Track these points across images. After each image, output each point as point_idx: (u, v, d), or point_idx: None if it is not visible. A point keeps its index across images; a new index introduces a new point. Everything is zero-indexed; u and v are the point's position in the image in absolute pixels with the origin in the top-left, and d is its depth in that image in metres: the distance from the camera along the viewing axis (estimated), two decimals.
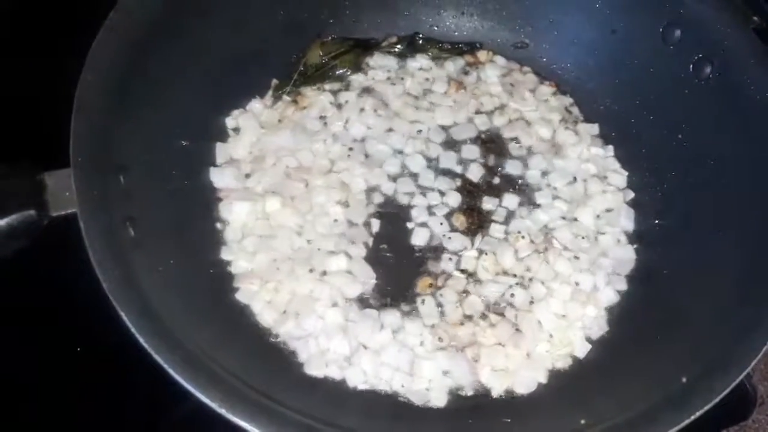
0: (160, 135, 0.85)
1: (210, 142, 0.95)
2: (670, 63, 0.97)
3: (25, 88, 0.98)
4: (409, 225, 0.95)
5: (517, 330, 0.88)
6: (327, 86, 1.03)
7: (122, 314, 0.63)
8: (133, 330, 0.63)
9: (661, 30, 0.97)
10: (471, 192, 0.98)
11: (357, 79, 1.05)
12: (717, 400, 0.67)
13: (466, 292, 0.90)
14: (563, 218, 0.97)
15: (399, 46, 1.07)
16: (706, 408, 0.66)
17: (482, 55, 1.09)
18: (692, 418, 0.66)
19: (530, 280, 0.91)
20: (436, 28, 1.11)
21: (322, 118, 1.01)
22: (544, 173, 1.00)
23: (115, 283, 0.64)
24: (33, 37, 1.03)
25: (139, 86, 0.80)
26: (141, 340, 0.62)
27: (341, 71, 1.04)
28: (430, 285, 0.90)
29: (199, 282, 0.83)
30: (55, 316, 0.84)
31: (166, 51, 0.84)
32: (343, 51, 1.05)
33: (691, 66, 0.94)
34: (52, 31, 1.02)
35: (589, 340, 0.88)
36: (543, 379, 0.85)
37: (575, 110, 1.06)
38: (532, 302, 0.90)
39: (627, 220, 0.97)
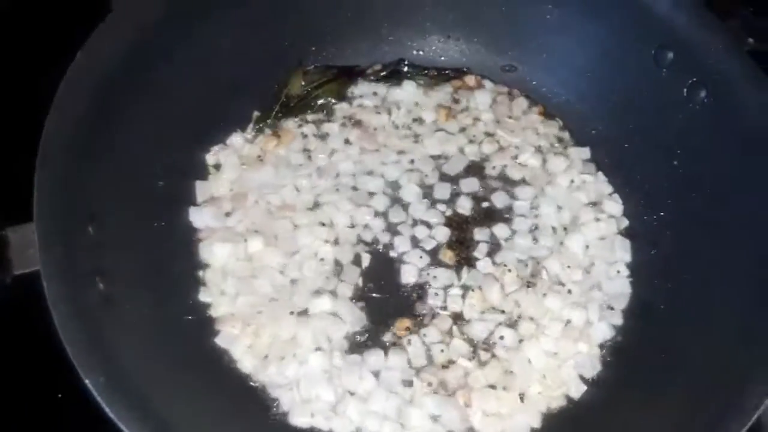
0: (134, 177, 0.82)
1: (188, 181, 0.92)
2: (663, 86, 0.93)
3: None
4: (396, 263, 0.91)
5: (508, 371, 0.84)
6: (310, 117, 1.00)
7: (89, 385, 0.60)
8: (100, 402, 0.59)
9: (653, 52, 0.93)
10: (460, 224, 0.95)
11: (341, 108, 1.02)
12: None
13: (451, 332, 0.87)
14: (552, 249, 0.93)
15: (384, 73, 1.04)
16: None
17: (470, 80, 1.06)
18: None
19: (519, 317, 0.88)
20: (421, 53, 1.07)
21: (305, 151, 0.98)
22: (534, 202, 0.97)
23: (78, 347, 0.61)
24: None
25: (109, 127, 0.77)
26: (108, 411, 0.59)
27: (324, 101, 1.01)
28: (407, 328, 0.86)
29: (175, 331, 0.80)
30: (20, 383, 0.80)
31: (137, 87, 0.81)
32: (326, 80, 1.02)
33: (684, 90, 0.90)
34: (15, 78, 0.99)
35: (583, 379, 0.85)
36: (537, 423, 0.82)
37: (565, 135, 1.03)
38: (521, 340, 0.86)
39: (622, 251, 0.94)
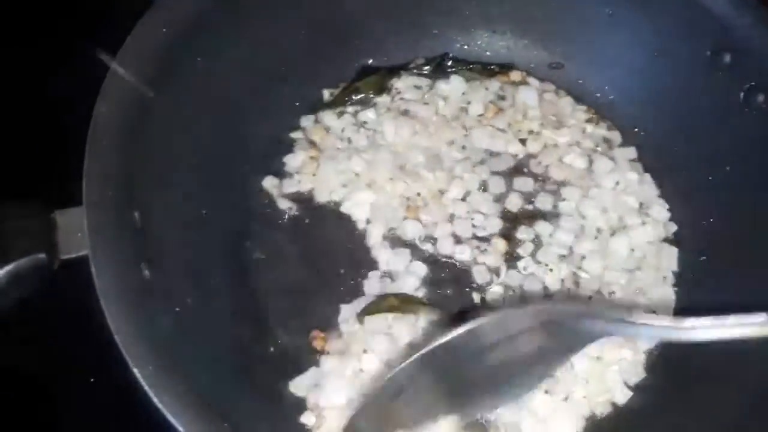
0: (182, 168, 0.81)
1: (235, 171, 0.91)
2: (718, 89, 0.90)
3: (38, 122, 0.94)
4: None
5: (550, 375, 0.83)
6: (350, 109, 0.99)
7: (135, 371, 0.59)
8: (146, 388, 0.58)
9: (709, 54, 0.91)
10: (509, 220, 0.94)
11: (383, 101, 1.00)
12: None
13: None
14: (595, 251, 0.91)
15: (427, 67, 1.02)
16: None
17: (515, 75, 1.04)
18: None
19: None
20: (466, 47, 1.06)
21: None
22: (579, 203, 0.95)
23: (128, 336, 0.60)
24: (45, 69, 1.00)
25: (155, 119, 0.76)
26: (155, 399, 0.58)
27: (364, 95, 1.00)
28: None
29: (223, 328, 0.79)
30: (67, 363, 0.80)
31: (187, 79, 0.81)
32: (368, 73, 1.00)
33: (741, 94, 0.88)
34: (66, 65, 0.98)
35: (628, 386, 0.83)
36: (580, 428, 0.80)
37: (613, 135, 1.00)
38: None
39: (668, 258, 0.92)
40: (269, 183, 0.93)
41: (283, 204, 0.92)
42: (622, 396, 0.83)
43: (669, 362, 0.85)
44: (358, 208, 0.92)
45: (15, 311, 0.63)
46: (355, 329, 0.83)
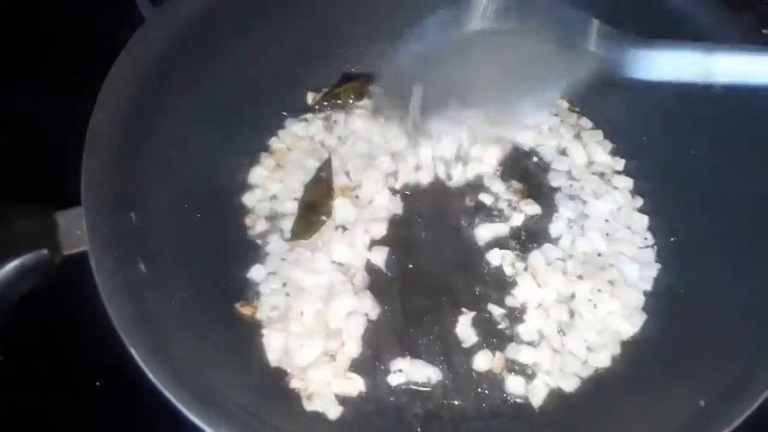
0: (174, 170, 0.86)
1: (227, 173, 0.97)
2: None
3: (38, 128, 1.01)
4: None
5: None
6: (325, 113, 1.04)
7: (132, 350, 0.63)
8: (142, 366, 0.63)
9: None
10: None
11: (362, 104, 1.05)
12: (736, 424, 0.65)
13: None
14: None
15: None
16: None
17: None
18: None
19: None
20: None
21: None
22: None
23: (125, 319, 0.65)
24: (46, 79, 1.07)
25: (152, 122, 0.82)
26: (150, 376, 0.63)
27: (343, 100, 1.05)
28: None
29: (214, 315, 0.84)
30: (68, 354, 0.85)
31: (174, 89, 0.86)
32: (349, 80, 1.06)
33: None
34: (66, 65, 1.05)
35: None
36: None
37: (583, 122, 1.06)
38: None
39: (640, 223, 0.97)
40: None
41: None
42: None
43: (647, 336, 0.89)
44: None
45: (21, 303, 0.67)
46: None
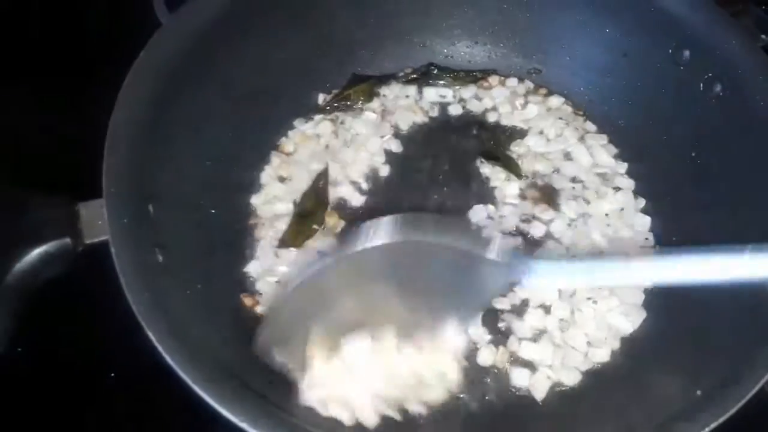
0: (190, 167, 0.89)
1: (237, 172, 0.99)
2: (680, 82, 0.98)
3: (62, 125, 1.05)
4: None
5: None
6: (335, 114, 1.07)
7: (150, 335, 0.66)
8: (160, 349, 0.66)
9: (670, 51, 0.99)
10: None
11: (371, 106, 1.08)
12: (732, 412, 0.67)
13: None
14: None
15: (414, 75, 1.11)
16: (720, 420, 0.66)
17: (494, 80, 1.13)
18: (706, 430, 0.66)
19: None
20: (450, 59, 1.15)
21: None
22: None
23: (144, 305, 0.68)
24: (70, 75, 1.11)
25: (169, 120, 0.85)
26: (168, 358, 0.65)
27: (353, 102, 1.08)
28: None
29: (225, 305, 0.87)
30: (89, 339, 0.89)
31: (190, 90, 0.89)
32: (358, 81, 1.09)
33: (701, 85, 0.95)
34: (89, 66, 1.10)
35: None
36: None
37: (588, 126, 1.09)
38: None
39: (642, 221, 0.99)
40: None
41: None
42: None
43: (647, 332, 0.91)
44: None
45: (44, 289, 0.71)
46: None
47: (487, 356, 0.89)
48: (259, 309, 0.90)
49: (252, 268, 0.93)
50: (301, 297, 0.74)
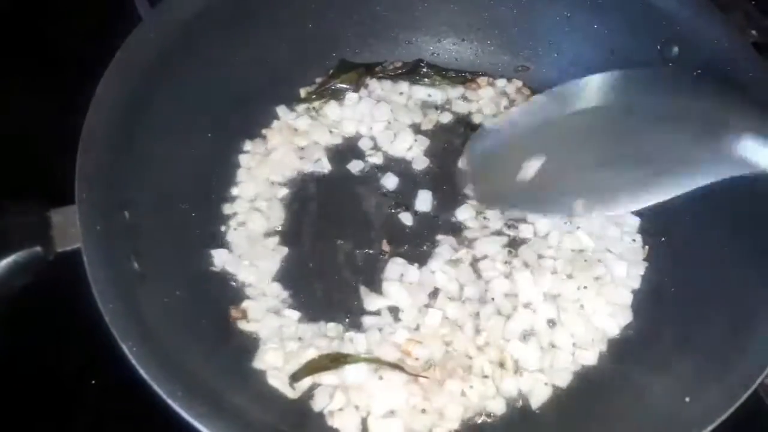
0: (168, 170, 0.87)
1: (217, 174, 0.97)
2: None
3: (33, 127, 1.02)
4: None
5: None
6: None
7: (122, 345, 0.64)
8: (134, 362, 0.64)
9: (659, 47, 0.97)
10: None
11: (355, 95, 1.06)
12: (722, 419, 0.65)
13: None
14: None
15: (402, 70, 1.09)
16: (711, 427, 0.65)
17: (482, 81, 1.11)
18: None
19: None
20: (437, 55, 1.12)
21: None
22: None
23: (115, 314, 0.66)
24: (41, 77, 1.08)
25: (144, 124, 0.83)
26: (140, 370, 0.64)
27: (341, 86, 1.06)
28: None
29: (207, 314, 0.84)
30: (69, 347, 0.86)
31: (169, 89, 0.87)
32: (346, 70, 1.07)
33: None
34: (61, 69, 1.07)
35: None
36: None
37: None
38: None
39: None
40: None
41: None
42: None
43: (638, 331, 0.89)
44: None
45: (14, 299, 0.68)
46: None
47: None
48: (245, 324, 0.87)
49: (217, 259, 0.90)
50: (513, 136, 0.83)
